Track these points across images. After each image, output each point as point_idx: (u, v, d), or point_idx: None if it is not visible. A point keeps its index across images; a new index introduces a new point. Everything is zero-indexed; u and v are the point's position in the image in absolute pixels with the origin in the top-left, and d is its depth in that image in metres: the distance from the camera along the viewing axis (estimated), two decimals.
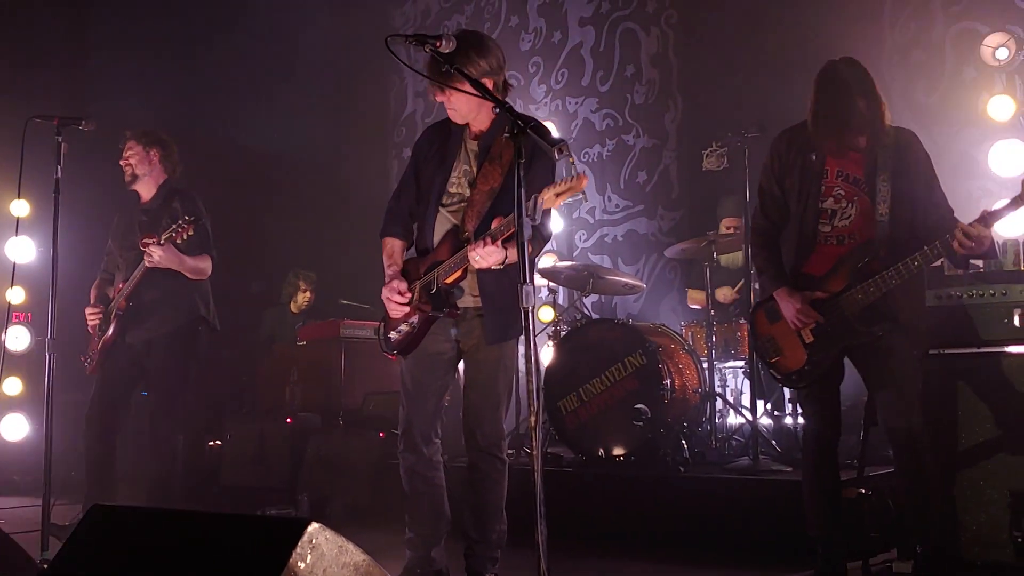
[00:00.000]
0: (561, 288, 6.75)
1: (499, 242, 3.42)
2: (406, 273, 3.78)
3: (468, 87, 3.31)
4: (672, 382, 5.30)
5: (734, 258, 6.25)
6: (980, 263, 4.58)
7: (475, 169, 3.69)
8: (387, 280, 3.77)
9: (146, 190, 5.17)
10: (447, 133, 3.80)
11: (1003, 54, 5.61)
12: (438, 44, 3.09)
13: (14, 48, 7.67)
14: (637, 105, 7.62)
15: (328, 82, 9.17)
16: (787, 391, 5.50)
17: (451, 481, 3.89)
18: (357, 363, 6.70)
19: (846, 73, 3.55)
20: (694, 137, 6.85)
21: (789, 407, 5.51)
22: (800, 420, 5.46)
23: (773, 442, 5.28)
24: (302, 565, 2.26)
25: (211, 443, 6.84)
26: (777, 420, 5.56)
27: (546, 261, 7.33)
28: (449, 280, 3.63)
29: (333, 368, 6.69)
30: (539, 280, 6.39)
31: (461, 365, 3.89)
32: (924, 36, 6.09)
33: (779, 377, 3.83)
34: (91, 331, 5.11)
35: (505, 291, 3.59)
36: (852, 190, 3.64)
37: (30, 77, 7.60)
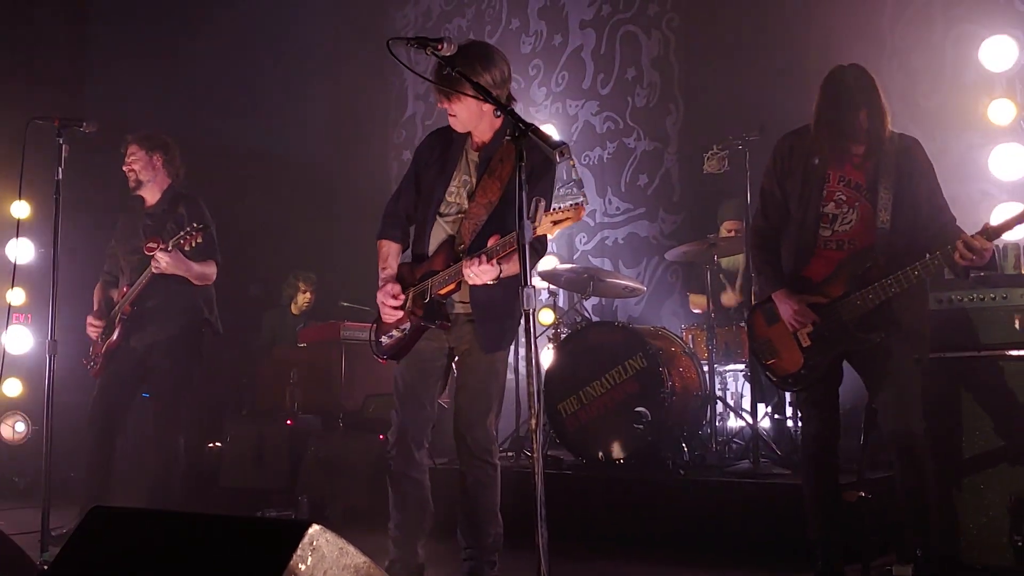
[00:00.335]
0: (561, 291, 6.75)
1: (494, 260, 3.45)
2: (400, 278, 3.81)
3: (470, 91, 3.35)
4: (672, 385, 5.30)
5: (735, 261, 6.25)
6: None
7: (475, 181, 3.70)
8: (381, 284, 3.80)
9: (150, 194, 5.17)
10: (449, 140, 3.81)
11: (1003, 58, 5.61)
12: (439, 47, 3.09)
13: (14, 50, 7.67)
14: (638, 108, 7.62)
15: (328, 84, 9.18)
16: (788, 394, 5.49)
17: (446, 485, 3.91)
18: (357, 365, 6.70)
19: (851, 82, 3.56)
20: (695, 140, 6.85)
21: (790, 410, 5.50)
22: (800, 423, 5.47)
23: (773, 445, 5.28)
24: (303, 567, 2.26)
25: (211, 445, 6.84)
26: (778, 423, 5.55)
27: (546, 264, 7.33)
28: (443, 292, 3.66)
29: (333, 370, 6.69)
30: (539, 283, 6.39)
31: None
32: (924, 39, 6.08)
33: (775, 379, 3.84)
34: (93, 337, 5.12)
35: (497, 302, 3.65)
36: (854, 196, 3.64)
37: (30, 79, 7.59)
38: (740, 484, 4.79)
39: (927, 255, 3.47)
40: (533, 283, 2.87)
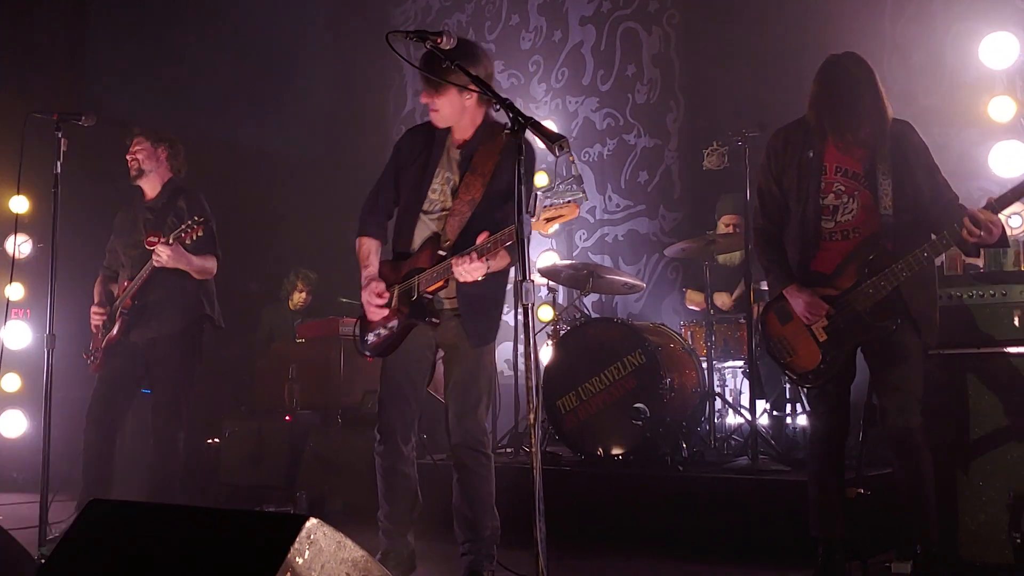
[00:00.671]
0: (561, 287, 6.75)
1: (484, 257, 3.48)
2: (383, 275, 3.82)
3: (468, 84, 3.33)
4: (671, 381, 5.30)
5: (731, 257, 6.24)
6: (980, 263, 4.60)
7: (458, 178, 3.73)
8: (364, 282, 3.82)
9: (150, 187, 5.16)
10: (430, 138, 3.82)
11: (1003, 55, 5.61)
12: (439, 40, 3.09)
13: (13, 44, 7.66)
14: (638, 104, 7.62)
15: (327, 79, 9.17)
16: (787, 391, 5.50)
17: (444, 482, 3.95)
18: (356, 361, 6.69)
19: (852, 68, 3.55)
20: (696, 137, 6.84)
21: (788, 407, 5.51)
22: (799, 420, 5.47)
23: (772, 442, 5.28)
24: (300, 561, 2.26)
25: (210, 441, 6.84)
26: (776, 420, 5.55)
27: (546, 260, 7.33)
28: (430, 289, 3.69)
29: (332, 366, 6.69)
30: (538, 279, 6.38)
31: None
32: (925, 36, 6.08)
33: (794, 377, 3.81)
34: (94, 330, 5.11)
35: (484, 297, 3.71)
36: (852, 185, 3.63)
37: (29, 73, 7.59)
38: (738, 480, 4.79)
39: (933, 236, 3.46)
40: (532, 278, 2.87)
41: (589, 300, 6.97)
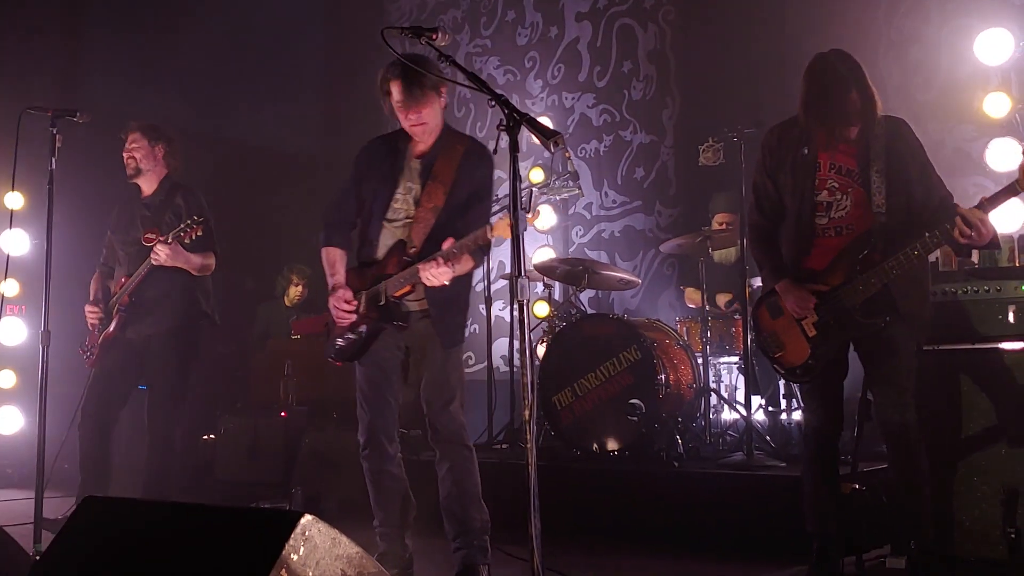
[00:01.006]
0: (557, 283, 6.75)
1: (450, 262, 3.60)
2: (349, 283, 3.92)
3: (434, 97, 3.71)
4: (667, 377, 5.30)
5: (727, 255, 6.25)
6: (975, 259, 4.60)
7: (420, 187, 3.84)
8: (331, 289, 3.92)
9: (147, 184, 5.15)
10: (391, 149, 3.94)
11: (998, 51, 5.61)
12: (434, 37, 3.10)
13: (8, 40, 7.64)
14: (635, 101, 7.61)
15: (322, 76, 9.15)
16: (781, 387, 5.50)
17: (434, 479, 3.97)
18: None
19: (838, 65, 3.55)
20: (692, 133, 6.84)
21: (784, 403, 5.51)
22: (794, 416, 5.48)
23: (767, 438, 5.29)
24: (295, 557, 2.26)
25: (205, 437, 6.84)
26: (771, 416, 5.56)
27: (542, 256, 7.33)
28: (398, 294, 3.80)
29: (327, 362, 6.65)
30: (533, 275, 6.38)
31: None
32: (920, 33, 6.08)
33: (783, 372, 3.82)
34: (91, 327, 5.10)
35: (452, 299, 3.83)
36: (846, 182, 3.63)
37: (24, 69, 7.57)
38: (734, 476, 4.79)
39: (926, 234, 3.46)
40: (527, 274, 2.88)
41: (585, 296, 6.97)
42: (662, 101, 7.46)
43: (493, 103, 2.90)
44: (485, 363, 6.59)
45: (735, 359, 5.80)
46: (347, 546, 2.39)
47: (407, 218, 3.84)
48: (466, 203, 3.76)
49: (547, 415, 5.57)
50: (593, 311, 6.90)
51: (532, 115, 2.91)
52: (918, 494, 3.63)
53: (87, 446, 4.93)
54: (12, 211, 6.63)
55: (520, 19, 8.31)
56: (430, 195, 3.80)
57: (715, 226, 6.12)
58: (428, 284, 3.66)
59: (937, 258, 4.17)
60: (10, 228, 6.83)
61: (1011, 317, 3.93)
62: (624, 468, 5.18)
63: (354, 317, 3.88)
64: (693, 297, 6.35)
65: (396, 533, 3.94)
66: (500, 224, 3.45)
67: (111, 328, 4.97)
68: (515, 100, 7.26)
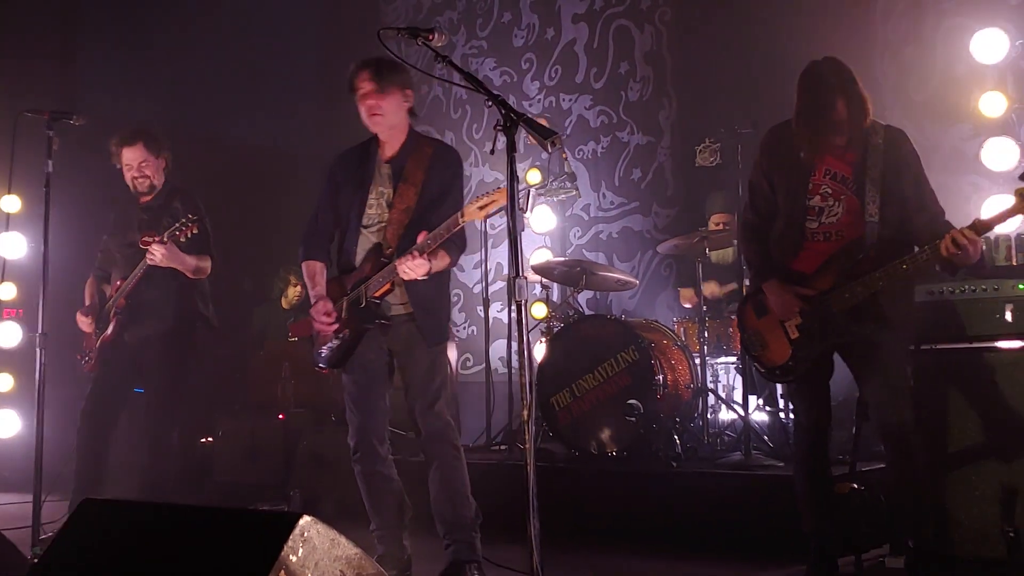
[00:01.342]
0: (555, 284, 6.75)
1: (425, 255, 3.68)
2: (331, 292, 4.01)
3: (398, 93, 3.84)
4: (664, 378, 5.31)
5: (724, 255, 6.25)
6: None
7: (391, 191, 3.92)
8: (313, 301, 4.01)
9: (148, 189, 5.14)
10: (361, 157, 4.04)
11: (994, 51, 5.62)
12: (430, 37, 3.12)
13: (3, 43, 7.63)
14: (631, 102, 7.61)
15: (319, 77, 9.14)
16: (779, 386, 5.50)
17: (422, 482, 4.00)
18: None
19: (827, 74, 3.55)
20: (689, 134, 6.84)
21: (781, 403, 5.51)
22: (792, 416, 5.48)
23: (765, 437, 5.29)
24: (294, 558, 2.26)
25: (203, 440, 6.82)
26: (769, 416, 5.56)
27: (539, 257, 7.33)
28: (378, 294, 3.86)
29: None
30: (531, 276, 6.38)
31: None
32: (915, 33, 6.09)
33: (763, 371, 3.85)
34: (87, 331, 5.10)
35: (434, 296, 3.91)
36: (840, 188, 3.63)
37: (20, 72, 7.55)
38: (732, 476, 4.80)
39: (916, 248, 3.47)
40: (525, 275, 2.89)
41: (583, 297, 6.97)
42: (659, 102, 7.46)
43: (490, 103, 2.91)
44: (483, 365, 6.59)
45: (732, 359, 5.80)
46: (346, 547, 2.39)
47: (381, 222, 3.92)
48: (437, 200, 3.86)
49: (545, 416, 5.57)
50: (591, 312, 6.90)
51: (529, 115, 2.91)
52: (916, 494, 3.64)
53: (84, 449, 4.92)
54: (8, 214, 6.63)
55: (516, 21, 8.31)
56: (402, 197, 3.88)
57: (712, 226, 6.13)
58: (405, 278, 3.74)
59: None
60: (7, 231, 6.82)
61: (1009, 316, 3.93)
62: (622, 469, 5.18)
63: (336, 325, 3.94)
64: (688, 296, 6.36)
65: (393, 535, 3.97)
66: (470, 209, 3.56)
67: (108, 332, 4.96)
68: (512, 102, 7.27)
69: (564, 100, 7.98)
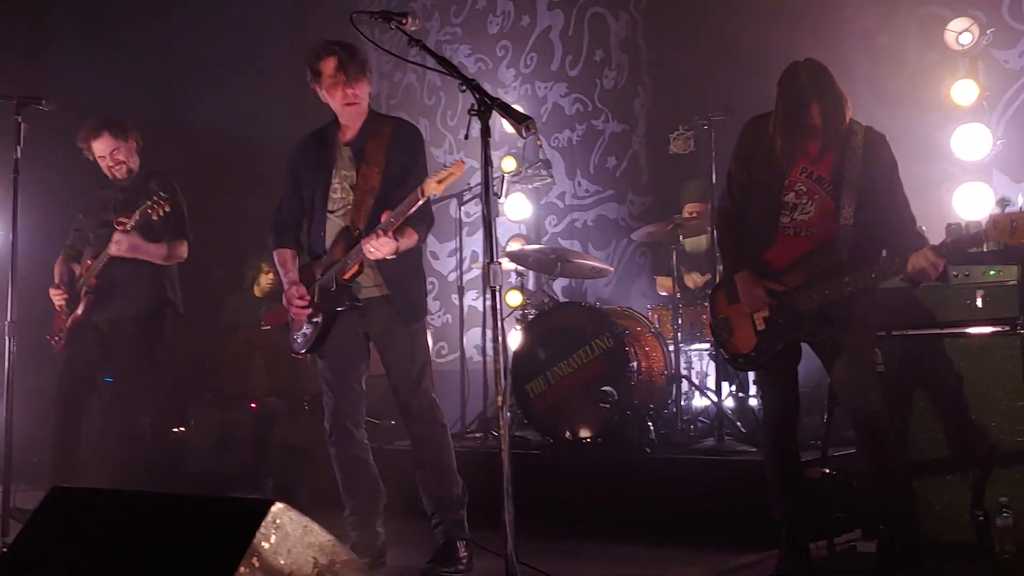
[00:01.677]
0: (530, 272, 6.74)
1: (391, 233, 3.68)
2: (303, 278, 4.01)
3: (366, 79, 3.88)
4: (639, 364, 5.32)
5: (698, 242, 6.27)
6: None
7: (354, 173, 3.92)
8: (286, 287, 4.02)
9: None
10: (321, 143, 4.03)
11: (966, 39, 5.66)
12: (404, 21, 3.11)
13: None
14: (607, 90, 7.61)
15: (291, 63, 9.06)
16: (751, 373, 5.53)
17: (406, 467, 4.02)
18: None
19: (804, 78, 3.54)
20: (663, 122, 6.84)
21: (753, 389, 5.54)
22: (761, 402, 5.51)
23: (738, 423, 5.32)
24: (266, 545, 2.25)
25: (175, 430, 6.77)
26: (741, 402, 5.59)
27: (514, 245, 7.32)
28: (347, 275, 3.86)
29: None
30: (506, 264, 6.38)
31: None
32: (888, 20, 6.11)
33: (727, 357, 3.88)
34: (59, 310, 5.04)
35: (406, 276, 3.92)
36: (814, 188, 3.64)
37: None
38: (705, 462, 4.82)
39: (884, 254, 3.51)
40: (499, 261, 2.88)
41: (559, 285, 6.97)
42: (634, 90, 7.46)
43: (464, 88, 2.90)
44: (458, 353, 6.58)
45: (706, 346, 5.82)
46: (319, 534, 2.38)
47: (346, 205, 3.92)
48: (401, 178, 3.86)
49: (520, 403, 5.58)
50: (566, 300, 6.90)
51: (503, 101, 2.90)
52: (887, 479, 3.66)
53: (57, 434, 4.88)
54: None
55: (491, 7, 8.27)
56: (365, 178, 3.88)
57: (686, 215, 6.14)
58: (372, 257, 3.74)
59: None
60: None
61: (979, 302, 3.97)
62: (596, 455, 5.19)
63: (309, 310, 3.95)
64: (664, 284, 6.37)
65: (367, 521, 3.97)
66: (430, 184, 3.58)
67: (79, 311, 4.92)
68: (487, 89, 7.24)
69: (539, 88, 7.96)
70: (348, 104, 3.89)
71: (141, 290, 4.93)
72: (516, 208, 7.55)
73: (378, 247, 3.70)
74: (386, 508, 4.06)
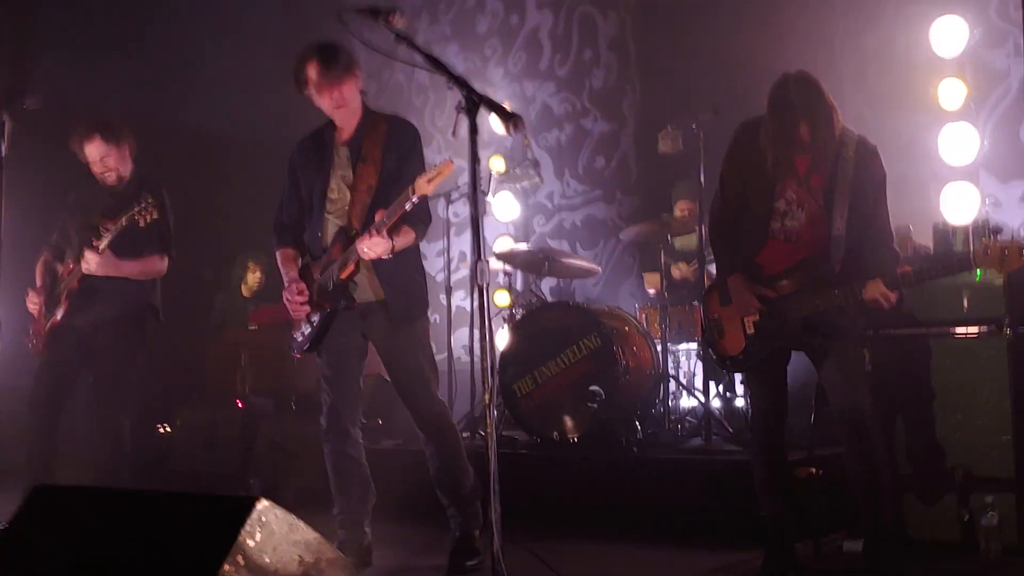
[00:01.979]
0: (518, 272, 6.74)
1: (384, 232, 3.69)
2: (303, 278, 4.03)
3: (352, 78, 3.89)
4: (626, 364, 5.31)
5: (688, 241, 6.27)
6: (930, 245, 4.66)
7: (352, 173, 3.94)
8: (286, 284, 4.04)
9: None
10: (319, 144, 4.05)
11: (954, 40, 5.67)
12: (391, 18, 3.10)
13: None
14: (595, 89, 7.61)
15: (278, 62, 9.02)
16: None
17: (400, 467, 4.11)
18: None
19: (792, 94, 3.53)
20: (652, 122, 6.83)
21: (740, 388, 5.55)
22: (749, 401, 5.51)
23: (725, 423, 5.32)
24: (252, 543, 2.23)
25: (161, 429, 6.74)
26: (728, 401, 5.60)
27: (503, 245, 7.31)
28: (344, 275, 3.86)
29: (285, 352, 6.53)
30: (494, 263, 6.37)
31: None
32: (876, 21, 6.13)
33: (715, 357, 3.89)
34: (35, 314, 4.99)
35: (402, 277, 3.92)
36: (805, 197, 3.64)
37: None
38: (693, 461, 4.84)
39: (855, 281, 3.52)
40: (487, 259, 2.88)
41: (546, 285, 6.96)
42: (622, 89, 7.46)
43: (452, 85, 2.89)
44: (445, 353, 6.56)
45: (694, 345, 5.83)
46: (304, 531, 2.37)
47: (344, 205, 3.93)
48: (396, 175, 3.86)
49: (507, 402, 5.57)
50: (554, 299, 6.90)
51: (491, 98, 2.89)
52: (874, 478, 3.67)
53: (35, 437, 4.83)
54: None
55: (480, 6, 8.26)
56: (362, 177, 3.89)
57: (677, 213, 6.14)
58: (366, 257, 3.75)
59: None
60: None
61: (965, 302, 3.99)
62: (584, 455, 5.18)
63: (308, 308, 3.96)
64: (652, 281, 6.36)
65: (356, 520, 3.98)
66: (420, 183, 3.58)
67: (58, 316, 4.86)
68: (475, 87, 7.22)
69: (528, 87, 7.96)
70: (337, 107, 3.90)
71: (122, 294, 4.86)
72: (504, 208, 7.54)
73: (371, 247, 3.70)
74: (374, 509, 4.06)
